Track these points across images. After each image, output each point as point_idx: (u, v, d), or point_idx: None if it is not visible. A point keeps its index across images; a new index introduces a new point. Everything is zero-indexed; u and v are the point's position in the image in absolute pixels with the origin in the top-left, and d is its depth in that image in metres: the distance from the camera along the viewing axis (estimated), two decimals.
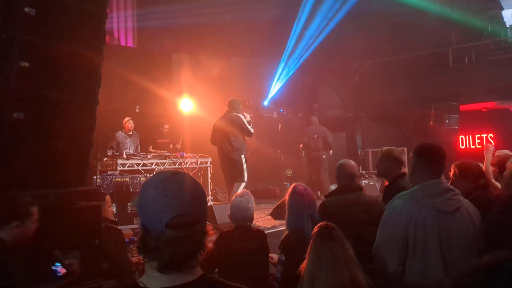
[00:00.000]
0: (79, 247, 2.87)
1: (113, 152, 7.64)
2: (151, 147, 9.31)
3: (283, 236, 3.19)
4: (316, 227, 2.52)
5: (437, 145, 2.66)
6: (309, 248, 2.42)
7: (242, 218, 3.35)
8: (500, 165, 3.69)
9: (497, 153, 4.57)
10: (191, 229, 1.22)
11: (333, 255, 2.31)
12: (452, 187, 2.56)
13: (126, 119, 8.69)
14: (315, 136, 10.23)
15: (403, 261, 2.40)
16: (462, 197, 2.53)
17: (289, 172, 11.14)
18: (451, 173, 3.35)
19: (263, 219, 6.95)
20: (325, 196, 3.56)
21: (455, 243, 2.36)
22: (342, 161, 3.56)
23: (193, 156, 8.89)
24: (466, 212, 2.46)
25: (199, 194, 1.29)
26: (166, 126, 9.66)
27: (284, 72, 12.79)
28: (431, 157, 2.54)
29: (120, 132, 8.57)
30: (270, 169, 11.29)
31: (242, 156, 7.15)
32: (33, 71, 2.63)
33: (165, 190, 1.25)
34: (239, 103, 7.54)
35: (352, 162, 3.54)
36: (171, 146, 9.34)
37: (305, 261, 2.40)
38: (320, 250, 2.35)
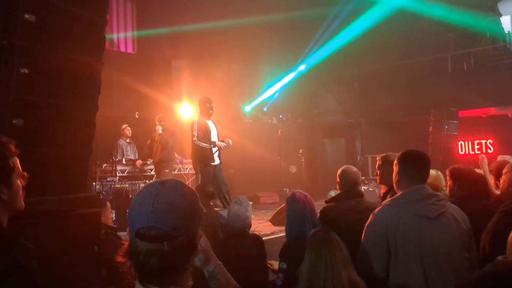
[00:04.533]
0: (78, 254, 2.86)
1: (112, 159, 7.65)
2: None
3: (284, 244, 3.17)
4: (312, 231, 2.55)
5: (421, 151, 2.66)
6: (307, 250, 2.45)
7: (240, 225, 3.34)
8: (497, 172, 3.65)
9: (498, 158, 4.54)
10: (159, 244, 1.15)
11: (332, 255, 2.37)
12: (436, 192, 2.55)
13: (124, 126, 8.68)
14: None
15: (386, 267, 2.41)
16: (448, 202, 2.52)
17: (293, 169, 11.11)
18: (447, 179, 3.36)
19: (262, 225, 6.92)
20: (326, 202, 3.55)
21: (439, 249, 2.34)
22: (344, 167, 3.56)
23: None
24: (451, 218, 2.44)
25: (180, 209, 1.19)
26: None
27: (284, 78, 12.82)
28: (416, 164, 2.54)
29: (121, 139, 8.60)
30: (269, 175, 11.28)
31: (198, 165, 6.77)
32: (33, 77, 2.63)
33: (141, 199, 1.21)
34: (201, 103, 7.04)
35: (354, 169, 3.53)
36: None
37: (303, 263, 2.42)
38: (318, 251, 2.40)
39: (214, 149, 6.84)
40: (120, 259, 1.21)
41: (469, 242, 2.45)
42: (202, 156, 6.76)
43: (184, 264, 1.21)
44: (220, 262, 1.54)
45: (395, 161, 2.64)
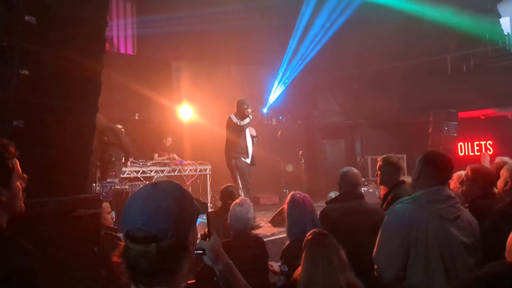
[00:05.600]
0: (78, 255, 2.86)
1: (112, 160, 7.63)
2: (157, 154, 9.26)
3: (285, 246, 3.16)
4: (308, 234, 2.53)
5: (446, 154, 2.67)
6: (303, 255, 2.43)
7: (242, 227, 3.33)
8: (496, 173, 3.65)
9: (497, 159, 4.54)
10: (147, 246, 1.16)
11: (328, 261, 2.35)
12: (453, 195, 2.57)
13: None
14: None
15: (404, 266, 2.40)
16: (461, 206, 2.55)
17: (289, 168, 11.11)
18: (464, 175, 3.34)
19: (262, 227, 6.91)
20: (326, 203, 3.55)
21: (456, 250, 2.37)
22: (345, 168, 3.56)
23: (192, 163, 8.89)
24: (466, 221, 2.47)
25: (168, 211, 1.19)
26: (170, 139, 9.48)
27: (284, 80, 12.83)
28: (440, 166, 2.55)
29: None
30: (269, 176, 11.28)
31: (233, 161, 6.92)
32: (33, 79, 2.63)
33: (132, 201, 1.23)
34: (240, 103, 7.19)
35: (355, 170, 3.53)
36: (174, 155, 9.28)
37: (300, 268, 2.41)
38: (315, 256, 2.38)
39: (249, 144, 7.03)
40: (116, 259, 1.22)
41: (478, 244, 2.47)
42: (236, 150, 6.90)
43: (175, 266, 1.21)
44: (230, 262, 1.56)
45: (418, 161, 2.64)
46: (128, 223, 1.20)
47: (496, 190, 3.51)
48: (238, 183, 6.76)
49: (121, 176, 7.77)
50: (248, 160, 7.05)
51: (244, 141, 7.05)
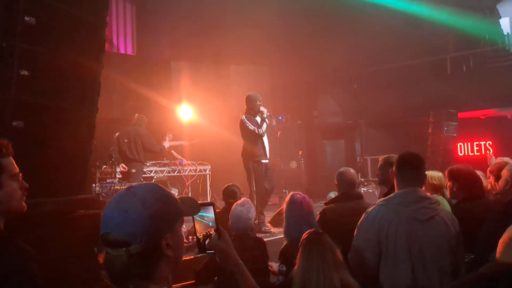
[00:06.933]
0: (78, 255, 2.86)
1: (112, 160, 7.63)
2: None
3: (283, 246, 3.17)
4: (304, 234, 2.54)
5: (416, 154, 2.68)
6: (298, 254, 2.45)
7: (242, 227, 3.34)
8: (497, 173, 3.66)
9: (497, 159, 4.54)
10: (118, 250, 1.17)
11: (323, 260, 2.36)
12: (428, 195, 2.60)
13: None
14: (126, 141, 7.59)
15: (376, 266, 2.45)
16: (439, 206, 2.56)
17: (293, 164, 11.10)
18: (447, 180, 3.36)
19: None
20: (325, 204, 3.55)
21: (428, 251, 2.39)
22: (342, 169, 3.58)
23: (192, 163, 8.88)
24: (441, 221, 2.48)
25: (136, 216, 1.18)
26: (170, 135, 9.48)
27: (283, 80, 12.81)
28: (409, 167, 2.58)
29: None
30: None
31: (251, 163, 6.48)
32: (33, 79, 2.64)
33: (107, 205, 1.24)
34: (251, 99, 6.68)
35: (352, 170, 3.55)
36: (174, 153, 9.25)
37: (296, 267, 2.43)
38: (309, 255, 2.40)
39: (266, 144, 6.71)
40: (102, 260, 1.23)
41: (456, 245, 2.49)
42: (254, 153, 6.51)
43: (149, 270, 1.20)
44: (240, 262, 1.57)
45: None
46: (102, 227, 1.21)
47: (485, 190, 3.53)
48: (253, 185, 6.41)
49: (121, 176, 7.77)
50: (267, 160, 6.71)
51: (262, 142, 6.62)
